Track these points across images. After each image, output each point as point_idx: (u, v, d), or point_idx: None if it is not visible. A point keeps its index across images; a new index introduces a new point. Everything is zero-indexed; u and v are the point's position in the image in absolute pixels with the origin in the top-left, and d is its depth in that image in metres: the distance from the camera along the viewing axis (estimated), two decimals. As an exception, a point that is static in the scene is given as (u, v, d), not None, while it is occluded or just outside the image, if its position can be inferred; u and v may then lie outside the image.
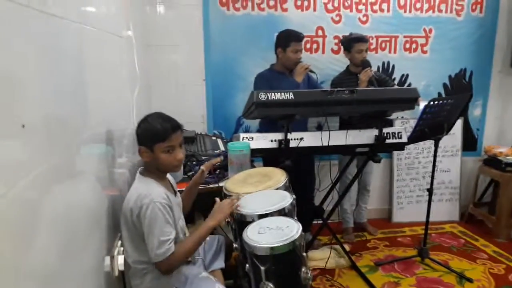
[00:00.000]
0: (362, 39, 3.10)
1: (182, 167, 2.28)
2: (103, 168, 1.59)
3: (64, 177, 1.11)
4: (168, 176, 1.88)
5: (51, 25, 1.04)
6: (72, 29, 1.24)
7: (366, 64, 3.05)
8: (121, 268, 1.64)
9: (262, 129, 3.10)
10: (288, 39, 2.87)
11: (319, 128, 3.35)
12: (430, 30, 3.58)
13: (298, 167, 2.76)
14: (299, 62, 2.88)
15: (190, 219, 2.38)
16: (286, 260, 1.47)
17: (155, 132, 1.66)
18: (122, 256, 1.65)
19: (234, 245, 1.76)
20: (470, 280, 2.75)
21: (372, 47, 3.41)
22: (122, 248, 1.69)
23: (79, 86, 1.30)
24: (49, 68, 1.02)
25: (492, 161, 3.54)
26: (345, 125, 3.16)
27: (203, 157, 2.50)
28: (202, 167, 2.04)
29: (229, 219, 1.82)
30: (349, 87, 2.97)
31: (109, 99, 1.76)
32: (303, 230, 1.55)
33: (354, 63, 3.15)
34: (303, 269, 1.51)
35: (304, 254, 1.54)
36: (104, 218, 1.58)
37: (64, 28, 1.15)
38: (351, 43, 3.13)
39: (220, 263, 1.99)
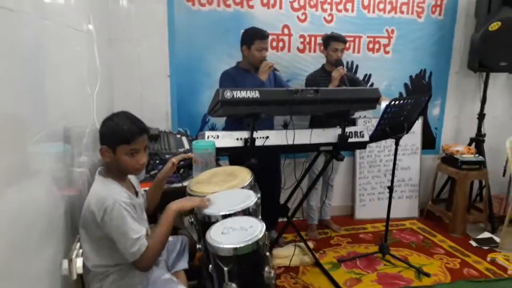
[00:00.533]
0: (338, 39, 3.16)
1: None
2: (60, 167, 1.53)
3: (15, 178, 1.06)
4: (131, 176, 1.83)
5: (2, 17, 0.98)
6: (26, 22, 1.18)
7: (339, 63, 3.12)
8: (80, 271, 1.59)
9: (227, 127, 3.08)
10: (252, 37, 2.86)
11: (285, 126, 3.36)
12: (392, 31, 3.67)
13: (265, 165, 2.77)
14: (264, 60, 2.87)
15: (153, 220, 2.33)
16: (250, 261, 1.46)
17: (121, 133, 1.60)
18: (81, 259, 1.60)
19: (198, 245, 1.74)
20: (427, 275, 2.85)
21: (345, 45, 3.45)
22: (81, 251, 1.63)
23: (34, 82, 1.24)
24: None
25: (449, 159, 3.68)
26: (315, 122, 3.22)
27: (167, 156, 2.45)
28: (172, 159, 1.98)
29: (192, 219, 1.80)
30: (323, 85, 3.06)
31: (67, 96, 1.69)
32: (269, 228, 1.55)
33: (329, 61, 3.22)
34: (266, 269, 1.50)
35: (268, 253, 1.54)
36: (61, 220, 1.52)
37: (17, 21, 1.09)
38: (328, 41, 3.19)
39: (183, 264, 1.96)
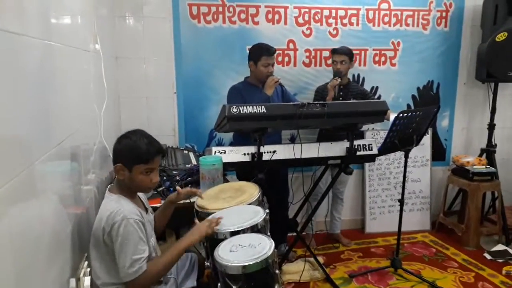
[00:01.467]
0: (337, 51, 3.21)
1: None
2: (67, 186, 1.53)
3: (22, 197, 1.05)
4: (140, 193, 1.83)
5: (7, 42, 0.99)
6: (32, 44, 1.19)
7: (336, 74, 3.15)
8: (88, 290, 1.58)
9: (235, 141, 3.08)
10: (259, 53, 2.88)
11: (292, 140, 3.36)
12: (398, 43, 3.67)
13: (273, 179, 2.75)
14: (271, 75, 2.88)
15: (161, 237, 2.32)
16: (259, 278, 1.44)
17: (139, 153, 1.62)
18: (89, 278, 1.59)
19: (206, 263, 1.72)
20: (441, 290, 2.79)
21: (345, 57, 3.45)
22: (88, 269, 1.62)
23: (41, 102, 1.25)
24: (3, 85, 0.97)
25: (460, 171, 3.62)
26: (324, 136, 3.22)
27: (174, 172, 2.44)
28: (180, 190, 1.93)
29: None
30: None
31: (75, 115, 1.70)
32: (279, 241, 1.53)
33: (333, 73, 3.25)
34: (276, 287, 1.48)
35: (277, 271, 1.52)
36: (68, 238, 1.51)
37: (22, 44, 1.10)
38: (331, 54, 3.26)
39: (192, 282, 1.94)
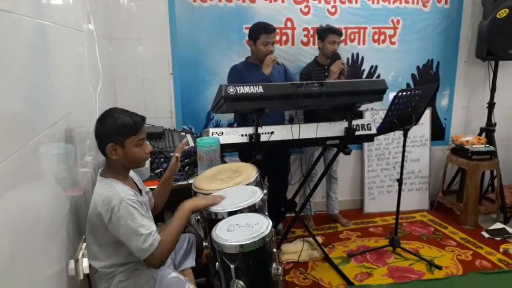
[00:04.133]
0: (337, 31, 3.14)
1: (149, 165, 2.22)
2: (63, 168, 1.52)
3: (17, 179, 1.04)
4: (133, 174, 1.82)
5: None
6: (24, 23, 1.16)
7: (336, 56, 3.08)
8: (86, 271, 1.58)
9: (237, 121, 3.06)
10: (258, 32, 2.84)
11: (291, 121, 3.34)
12: (398, 21, 3.61)
13: (274, 159, 2.73)
14: (270, 54, 2.84)
15: (160, 218, 2.32)
16: (256, 257, 1.44)
17: (128, 125, 1.61)
18: (87, 259, 1.59)
19: (204, 243, 1.72)
20: (439, 267, 2.81)
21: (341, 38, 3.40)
22: (86, 251, 1.63)
23: (34, 82, 1.22)
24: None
25: (459, 150, 3.62)
26: (309, 117, 3.18)
27: (171, 154, 2.43)
28: (175, 154, 1.96)
29: (198, 217, 1.78)
30: (317, 78, 3.02)
31: (69, 96, 1.68)
32: (276, 220, 1.52)
33: (325, 53, 3.18)
34: (273, 265, 1.48)
35: (275, 250, 1.52)
36: (66, 221, 1.51)
37: (14, 23, 1.07)
38: (326, 33, 3.16)
39: (190, 262, 1.94)
